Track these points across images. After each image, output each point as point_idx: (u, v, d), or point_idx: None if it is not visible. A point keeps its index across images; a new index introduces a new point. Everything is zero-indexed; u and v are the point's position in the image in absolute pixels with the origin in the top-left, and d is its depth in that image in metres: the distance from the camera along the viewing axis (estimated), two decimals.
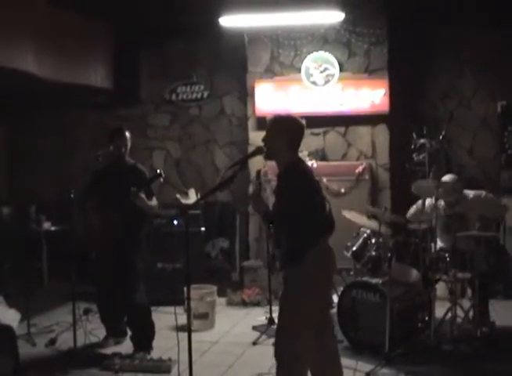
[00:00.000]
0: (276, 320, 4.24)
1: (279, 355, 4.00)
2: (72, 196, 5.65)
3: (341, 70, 8.49)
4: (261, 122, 8.19)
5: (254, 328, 6.68)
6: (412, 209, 6.77)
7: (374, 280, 5.90)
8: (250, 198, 4.22)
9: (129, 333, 6.04)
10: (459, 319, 5.96)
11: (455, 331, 5.81)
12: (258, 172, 4.32)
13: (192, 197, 8.44)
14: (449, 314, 5.93)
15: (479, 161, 8.82)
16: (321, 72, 8.48)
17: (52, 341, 6.22)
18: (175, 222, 7.84)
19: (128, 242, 5.80)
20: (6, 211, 9.45)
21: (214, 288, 6.94)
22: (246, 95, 8.96)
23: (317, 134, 8.66)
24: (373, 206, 7.85)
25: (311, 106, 8.48)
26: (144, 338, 5.90)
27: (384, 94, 8.36)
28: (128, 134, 5.93)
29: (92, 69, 8.78)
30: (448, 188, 6.33)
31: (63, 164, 9.85)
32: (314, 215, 4.03)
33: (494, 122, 8.69)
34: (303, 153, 7.43)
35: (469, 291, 6.54)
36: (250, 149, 8.24)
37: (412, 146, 8.29)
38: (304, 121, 4.21)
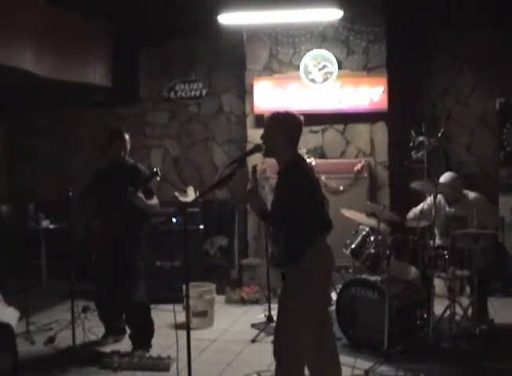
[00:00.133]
0: (275, 318, 4.23)
1: (278, 353, 3.99)
2: (70, 194, 5.64)
3: (340, 67, 8.49)
4: (260, 120, 8.17)
5: (253, 326, 6.69)
6: (413, 213, 6.75)
7: (373, 278, 5.90)
8: (247, 195, 4.16)
9: (128, 331, 6.04)
10: (457, 317, 5.97)
11: (453, 329, 5.82)
12: (254, 168, 4.28)
13: (191, 194, 8.43)
14: (448, 311, 5.94)
15: (478, 159, 8.83)
16: (319, 70, 8.48)
17: (51, 339, 6.21)
18: (174, 220, 7.83)
19: (128, 241, 5.80)
20: (5, 209, 9.46)
21: (213, 286, 6.94)
22: (244, 93, 8.96)
23: (316, 131, 8.66)
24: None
25: (309, 103, 8.47)
26: (143, 335, 5.90)
27: (383, 92, 8.36)
28: (127, 136, 5.94)
29: (91, 67, 8.78)
30: (446, 188, 6.34)
31: (63, 163, 9.85)
32: (313, 213, 4.02)
33: (492, 119, 8.69)
34: (301, 151, 7.42)
35: (468, 289, 6.55)
36: (249, 146, 8.24)
37: (411, 144, 8.26)
38: (302, 117, 4.20)
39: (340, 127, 8.68)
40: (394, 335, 5.49)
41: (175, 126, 9.74)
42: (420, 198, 7.06)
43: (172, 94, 9.61)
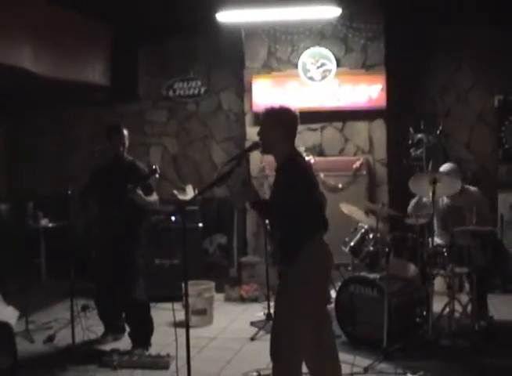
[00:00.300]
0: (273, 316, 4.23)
1: (275, 351, 3.98)
2: (70, 192, 5.64)
3: (338, 65, 8.48)
4: (259, 118, 8.15)
5: (252, 324, 6.69)
6: (412, 203, 6.75)
7: (372, 275, 5.91)
8: (240, 185, 4.12)
9: (127, 329, 6.05)
10: (457, 314, 5.98)
11: (453, 326, 5.82)
12: (245, 155, 4.27)
13: (190, 192, 8.42)
14: (447, 309, 5.95)
15: (476, 156, 8.84)
16: (318, 67, 8.48)
17: (51, 338, 6.22)
18: (173, 218, 7.83)
19: (128, 239, 5.80)
20: (4, 207, 9.46)
21: (212, 284, 6.94)
22: (243, 91, 8.96)
23: (314, 129, 8.66)
24: (371, 201, 7.85)
25: (308, 101, 8.47)
26: (142, 334, 5.91)
27: (381, 89, 8.35)
28: (125, 132, 5.94)
29: (90, 66, 8.78)
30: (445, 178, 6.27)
31: (62, 161, 9.85)
32: (310, 211, 4.00)
33: (491, 117, 8.69)
34: (300, 149, 7.42)
35: (467, 286, 6.55)
36: (248, 144, 8.24)
37: (410, 141, 8.29)
38: (297, 111, 4.17)
39: (339, 124, 8.68)
40: (393, 333, 5.49)
41: (174, 124, 9.75)
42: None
43: (171, 92, 9.61)
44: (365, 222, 6.38)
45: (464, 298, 6.29)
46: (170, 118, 9.76)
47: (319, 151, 8.57)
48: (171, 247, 7.54)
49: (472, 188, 6.58)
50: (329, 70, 8.44)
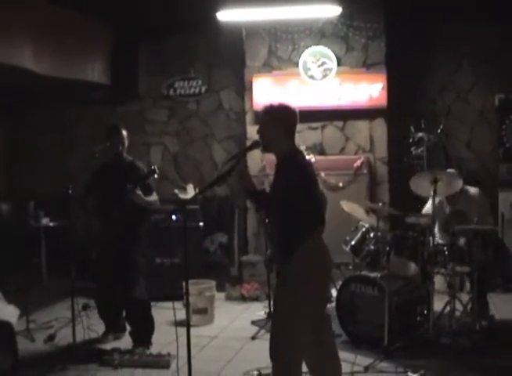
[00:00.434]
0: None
1: (274, 351, 3.96)
2: (70, 192, 5.64)
3: (339, 64, 8.49)
4: (259, 116, 8.19)
5: (253, 323, 6.69)
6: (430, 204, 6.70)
7: (373, 274, 5.90)
8: (236, 173, 4.09)
9: (128, 328, 6.05)
10: (457, 313, 5.98)
11: (454, 325, 5.82)
12: (243, 150, 4.26)
13: (191, 191, 8.42)
14: (448, 307, 5.94)
15: (477, 155, 8.83)
16: (319, 66, 8.48)
17: (51, 337, 6.22)
18: (174, 217, 7.82)
19: (128, 238, 5.80)
20: (5, 207, 9.46)
21: (213, 283, 6.94)
22: (244, 90, 8.97)
23: (315, 128, 8.66)
24: (371, 200, 7.86)
25: (309, 100, 8.47)
26: (143, 333, 5.91)
27: (382, 88, 8.36)
28: (124, 132, 5.94)
29: (91, 65, 8.78)
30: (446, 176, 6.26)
31: (62, 160, 9.85)
32: (309, 208, 3.98)
33: (492, 116, 8.69)
34: (301, 148, 7.42)
35: (467, 285, 6.55)
36: (248, 143, 8.24)
37: (411, 140, 8.29)
38: (296, 108, 4.16)
39: (340, 123, 8.68)
40: (394, 331, 5.49)
41: (175, 123, 9.74)
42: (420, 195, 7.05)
43: (171, 91, 9.61)
44: (365, 221, 6.37)
45: (465, 296, 6.28)
46: (170, 117, 9.76)
47: (320, 150, 8.58)
48: (171, 246, 7.53)
49: (472, 189, 6.57)
50: (330, 69, 8.44)
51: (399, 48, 8.54)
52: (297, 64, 8.56)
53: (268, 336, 5.85)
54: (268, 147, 4.14)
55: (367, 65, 8.54)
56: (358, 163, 8.34)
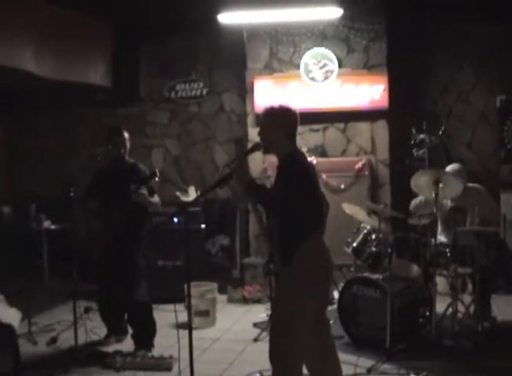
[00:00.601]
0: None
1: (275, 353, 3.95)
2: (72, 194, 5.64)
3: (340, 66, 8.49)
4: (260, 119, 8.19)
5: (255, 325, 6.69)
6: (415, 201, 6.72)
7: (375, 276, 5.90)
8: (234, 167, 4.06)
9: (130, 331, 6.05)
10: (460, 315, 5.96)
11: (456, 326, 5.81)
12: (239, 142, 4.24)
13: (192, 194, 8.43)
14: (450, 309, 5.93)
15: (479, 156, 8.82)
16: (320, 68, 8.48)
17: (53, 340, 6.22)
18: (175, 220, 7.83)
19: (129, 240, 5.81)
20: (6, 210, 9.47)
21: (215, 285, 6.94)
22: (245, 92, 8.96)
23: (316, 130, 8.66)
24: (373, 202, 7.84)
25: (310, 102, 8.47)
26: (145, 335, 5.91)
27: (383, 90, 8.35)
28: (126, 134, 5.95)
29: (92, 67, 8.78)
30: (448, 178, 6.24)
31: (64, 163, 9.85)
32: (310, 209, 3.98)
33: (493, 117, 8.68)
34: (302, 150, 7.42)
35: (470, 286, 6.54)
36: (250, 145, 8.24)
37: (412, 142, 8.29)
38: (297, 110, 4.16)
39: (341, 125, 8.68)
40: (396, 333, 5.49)
41: (176, 126, 9.75)
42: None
43: (173, 94, 9.61)
44: (367, 223, 6.37)
45: (467, 298, 6.27)
46: (172, 120, 9.76)
47: (321, 152, 8.57)
48: (173, 248, 7.54)
49: (472, 185, 6.55)
50: (331, 71, 8.44)
51: (400, 49, 8.54)
52: (298, 66, 8.56)
53: None
54: (269, 149, 4.14)
55: (368, 67, 8.53)
56: (360, 165, 8.34)
